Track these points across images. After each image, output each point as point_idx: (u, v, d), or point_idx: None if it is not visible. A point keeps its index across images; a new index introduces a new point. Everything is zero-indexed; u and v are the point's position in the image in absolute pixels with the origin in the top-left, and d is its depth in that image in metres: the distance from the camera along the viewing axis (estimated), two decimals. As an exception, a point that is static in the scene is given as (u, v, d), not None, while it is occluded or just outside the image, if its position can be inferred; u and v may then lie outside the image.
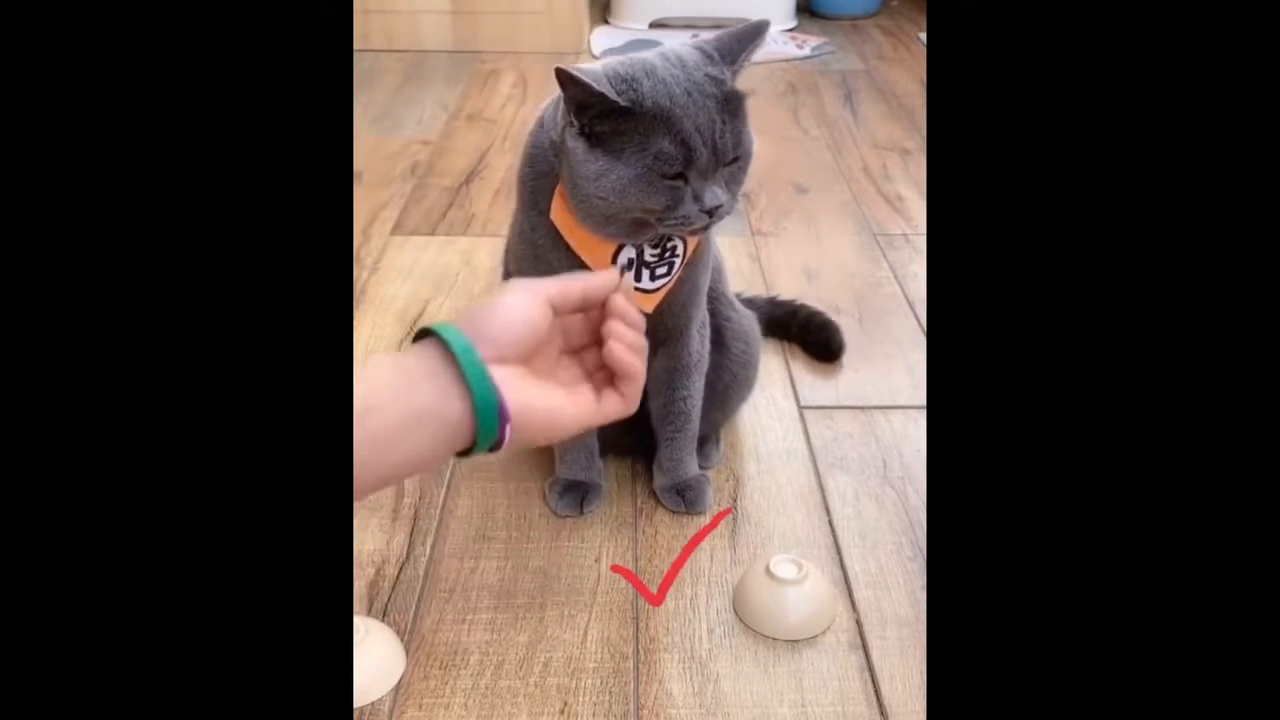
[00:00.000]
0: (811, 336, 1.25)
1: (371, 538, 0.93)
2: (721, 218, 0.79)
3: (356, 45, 2.41)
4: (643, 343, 0.65)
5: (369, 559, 0.90)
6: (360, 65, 2.36)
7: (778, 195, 1.70)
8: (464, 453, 0.58)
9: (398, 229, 1.57)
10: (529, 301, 0.61)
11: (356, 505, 0.96)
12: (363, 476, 0.54)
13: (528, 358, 0.60)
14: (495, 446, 0.58)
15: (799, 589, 0.83)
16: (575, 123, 0.76)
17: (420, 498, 0.99)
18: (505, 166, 1.81)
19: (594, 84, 0.72)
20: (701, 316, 0.93)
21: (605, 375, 0.65)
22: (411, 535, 0.94)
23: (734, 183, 0.79)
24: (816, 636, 0.83)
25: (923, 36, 2.66)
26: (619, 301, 0.65)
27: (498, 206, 1.65)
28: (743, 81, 0.78)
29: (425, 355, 0.56)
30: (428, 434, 0.55)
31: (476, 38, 2.50)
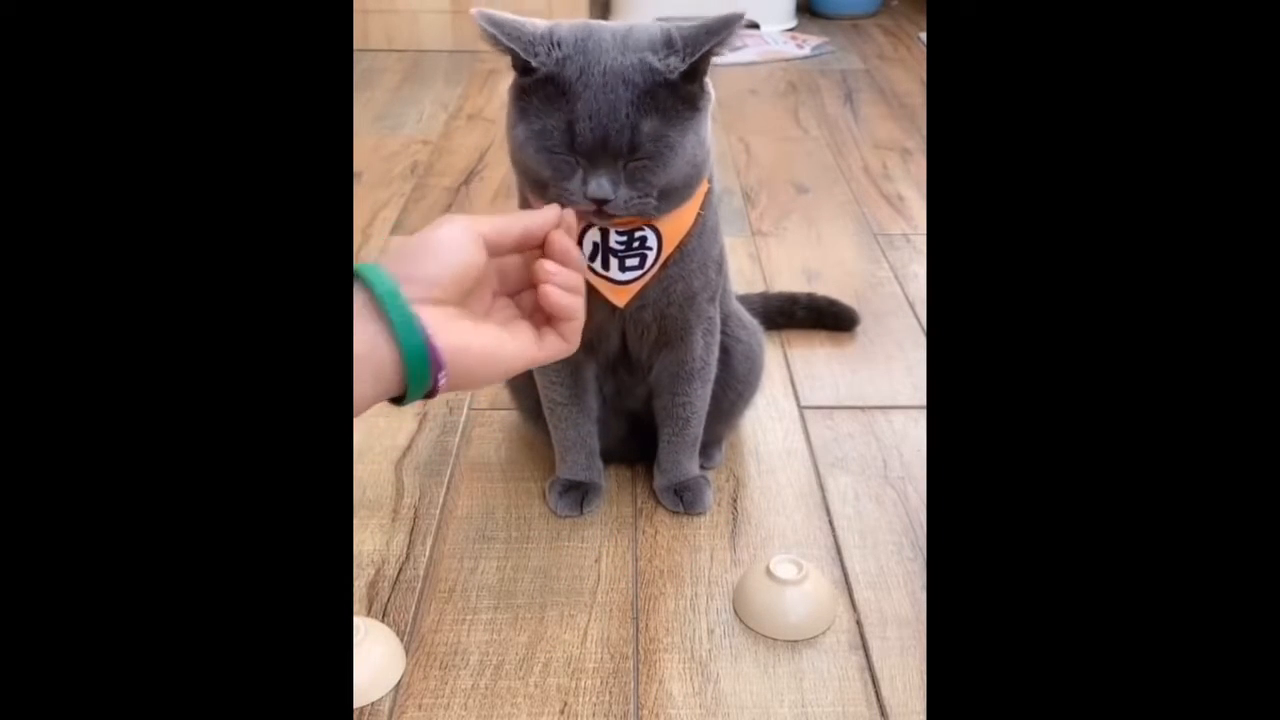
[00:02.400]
0: (824, 315, 1.27)
1: (371, 538, 0.93)
2: (618, 214, 0.73)
3: (356, 45, 2.41)
4: (578, 281, 0.63)
5: (369, 559, 0.90)
6: (360, 65, 2.37)
7: (778, 195, 1.70)
8: (397, 399, 0.56)
9: (398, 229, 1.57)
10: (463, 238, 0.58)
11: (356, 505, 0.96)
12: None
13: (461, 299, 0.59)
14: (430, 393, 0.56)
15: (799, 589, 0.83)
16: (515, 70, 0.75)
17: (420, 498, 0.99)
18: (505, 166, 1.81)
19: (502, 33, 0.70)
20: (706, 324, 0.91)
21: (543, 316, 0.63)
22: (411, 535, 0.94)
23: (639, 180, 0.72)
24: (817, 637, 0.83)
25: (923, 36, 2.66)
26: (559, 239, 0.62)
27: (498, 206, 1.65)
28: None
29: (354, 301, 0.55)
30: (358, 381, 0.53)
31: (476, 38, 2.49)
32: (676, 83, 0.71)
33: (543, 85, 0.72)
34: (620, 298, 0.83)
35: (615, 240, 0.80)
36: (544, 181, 0.74)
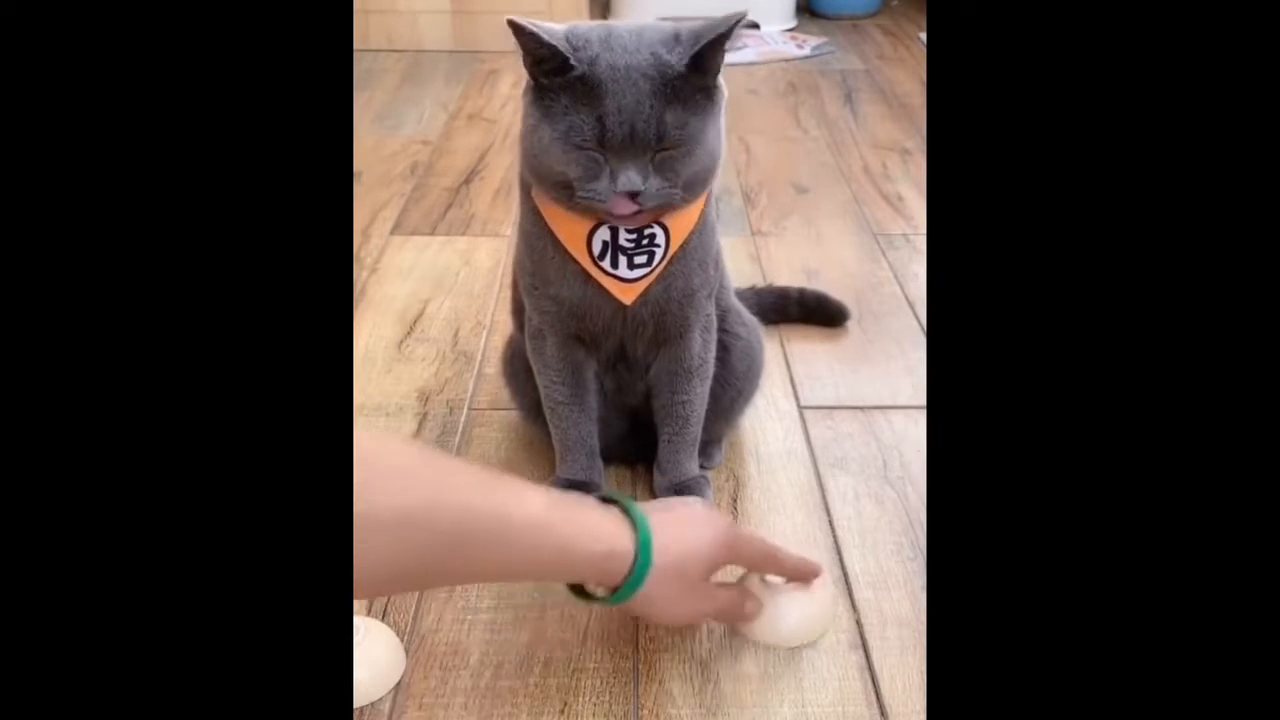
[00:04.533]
0: (813, 310, 1.28)
1: (371, 538, 0.93)
2: (649, 205, 0.76)
3: (356, 45, 2.41)
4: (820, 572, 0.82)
5: (369, 559, 0.90)
6: (360, 65, 2.36)
7: (778, 195, 1.70)
8: (582, 593, 0.74)
9: (397, 229, 1.57)
10: (717, 548, 0.75)
11: (356, 505, 0.96)
12: (506, 569, 0.71)
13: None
14: (623, 594, 0.71)
15: (790, 596, 0.82)
16: (530, 77, 0.76)
17: (420, 498, 0.98)
18: (505, 166, 1.81)
19: (544, 35, 0.72)
20: (704, 321, 0.92)
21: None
22: (411, 535, 0.94)
23: (667, 170, 0.75)
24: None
25: (923, 36, 2.66)
26: (802, 569, 0.81)
27: (498, 206, 1.65)
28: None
29: (614, 512, 0.72)
30: (590, 541, 0.69)
31: (476, 38, 2.50)
32: (687, 74, 0.74)
33: (572, 85, 0.73)
34: (628, 295, 0.84)
35: (625, 238, 0.81)
36: (568, 183, 0.76)
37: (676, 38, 0.75)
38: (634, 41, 0.74)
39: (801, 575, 0.81)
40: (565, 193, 0.77)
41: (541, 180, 0.79)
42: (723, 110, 0.79)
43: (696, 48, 0.73)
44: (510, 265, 1.05)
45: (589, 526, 0.69)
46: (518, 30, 0.72)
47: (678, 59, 0.73)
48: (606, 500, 0.74)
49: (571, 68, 0.73)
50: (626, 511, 0.72)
